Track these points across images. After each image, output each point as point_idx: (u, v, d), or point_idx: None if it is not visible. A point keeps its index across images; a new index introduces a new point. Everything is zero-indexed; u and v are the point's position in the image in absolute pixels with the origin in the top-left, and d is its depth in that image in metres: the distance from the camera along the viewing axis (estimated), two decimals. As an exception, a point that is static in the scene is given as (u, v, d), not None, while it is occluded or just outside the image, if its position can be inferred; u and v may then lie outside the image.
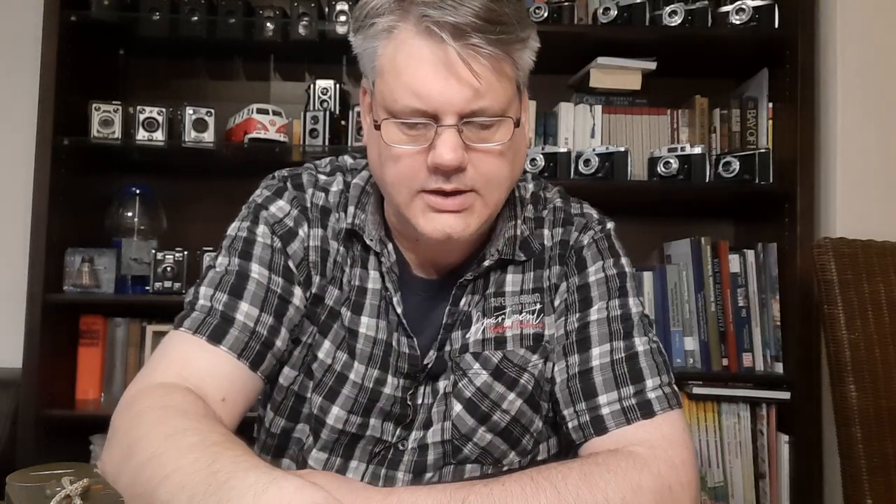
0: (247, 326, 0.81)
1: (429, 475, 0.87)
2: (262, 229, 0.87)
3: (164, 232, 2.05)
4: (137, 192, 2.01)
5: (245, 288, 0.83)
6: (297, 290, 0.86)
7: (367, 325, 0.87)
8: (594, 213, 0.95)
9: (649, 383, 0.81)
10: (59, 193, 1.85)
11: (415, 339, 0.87)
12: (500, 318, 0.88)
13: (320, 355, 0.87)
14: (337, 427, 0.87)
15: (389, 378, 0.87)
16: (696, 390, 1.86)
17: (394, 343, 0.87)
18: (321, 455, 0.88)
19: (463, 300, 0.88)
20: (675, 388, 0.83)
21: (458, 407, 0.87)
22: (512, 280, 0.90)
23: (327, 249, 0.89)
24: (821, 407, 1.80)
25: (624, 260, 0.91)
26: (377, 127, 0.79)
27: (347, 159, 0.96)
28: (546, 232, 0.92)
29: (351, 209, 0.89)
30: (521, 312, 0.89)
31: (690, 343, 1.92)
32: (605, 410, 0.81)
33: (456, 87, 0.75)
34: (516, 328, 0.88)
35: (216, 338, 0.79)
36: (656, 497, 0.73)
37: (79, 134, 1.88)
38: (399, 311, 0.87)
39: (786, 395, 1.85)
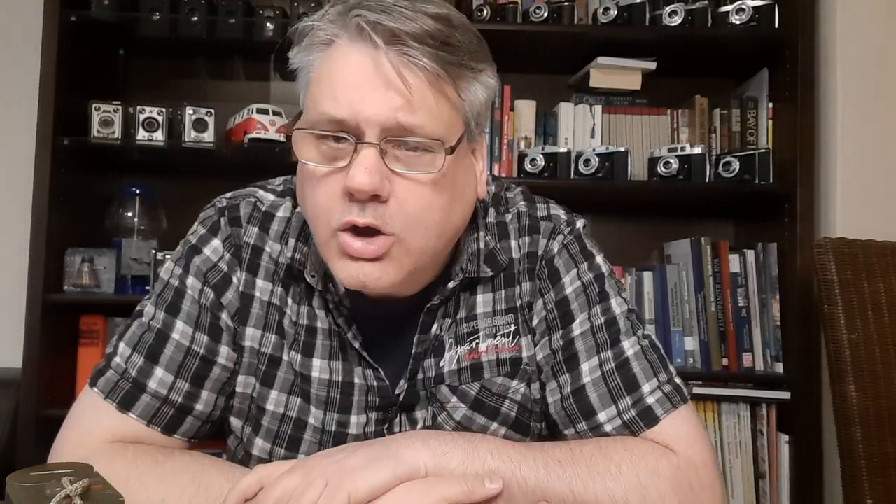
0: (159, 394, 0.79)
1: None
2: (191, 281, 0.81)
3: (164, 232, 2.04)
4: (137, 192, 2.00)
5: (162, 352, 0.79)
6: (224, 349, 0.81)
7: (319, 367, 0.81)
8: (561, 214, 0.88)
9: (646, 388, 0.77)
10: (59, 193, 1.85)
11: (381, 371, 0.81)
12: (474, 344, 0.82)
13: (269, 407, 0.82)
14: None
15: (353, 419, 0.81)
16: (696, 390, 1.86)
17: (356, 380, 0.81)
18: None
19: (434, 326, 0.82)
20: (678, 382, 0.79)
21: None
22: (483, 301, 0.83)
23: (252, 295, 0.82)
24: (821, 407, 1.80)
25: (598, 259, 0.85)
26: (289, 139, 0.71)
27: None
28: (513, 244, 0.85)
29: (292, 241, 0.82)
30: (495, 336, 0.83)
31: (690, 343, 1.92)
32: (607, 428, 0.77)
33: (382, 94, 0.66)
34: (492, 353, 0.83)
35: (125, 405, 0.78)
36: (674, 486, 0.70)
37: (79, 134, 1.88)
38: (357, 345, 0.80)
39: (786, 395, 1.85)
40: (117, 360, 0.80)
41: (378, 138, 0.67)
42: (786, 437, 1.87)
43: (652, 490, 0.70)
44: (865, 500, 1.35)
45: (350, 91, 0.67)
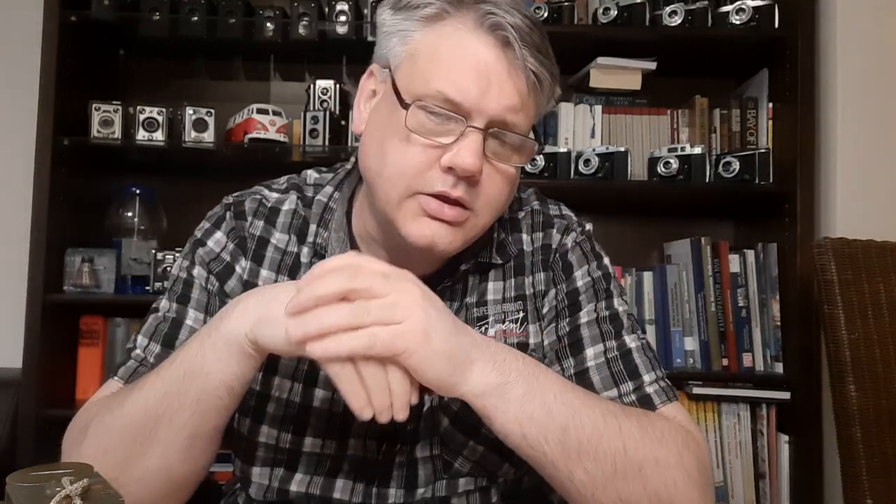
0: None
1: (421, 490, 0.85)
2: (197, 270, 0.86)
3: (164, 232, 2.04)
4: (137, 192, 2.00)
5: (177, 338, 0.82)
6: None
7: None
8: (573, 215, 0.94)
9: (646, 378, 0.81)
10: (59, 193, 1.85)
11: None
12: (483, 329, 0.86)
13: (274, 393, 0.84)
14: (314, 452, 0.84)
15: None
16: (696, 390, 1.86)
17: None
18: (304, 478, 0.84)
19: None
20: (669, 383, 0.83)
21: (445, 421, 0.84)
22: (493, 288, 0.88)
23: (256, 283, 0.84)
24: (821, 407, 1.80)
25: (606, 261, 0.91)
26: (405, 106, 0.73)
27: (311, 174, 0.93)
28: (525, 237, 0.90)
29: (313, 227, 0.86)
30: (504, 321, 0.87)
31: (690, 343, 1.92)
32: None
33: (497, 91, 0.72)
34: (500, 337, 0.86)
35: None
36: (700, 471, 0.73)
37: (79, 134, 1.88)
38: None
39: (786, 395, 1.85)
40: (137, 350, 0.83)
41: (483, 126, 0.73)
42: (786, 437, 1.87)
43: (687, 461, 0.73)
44: (865, 500, 1.35)
45: (471, 79, 0.72)
